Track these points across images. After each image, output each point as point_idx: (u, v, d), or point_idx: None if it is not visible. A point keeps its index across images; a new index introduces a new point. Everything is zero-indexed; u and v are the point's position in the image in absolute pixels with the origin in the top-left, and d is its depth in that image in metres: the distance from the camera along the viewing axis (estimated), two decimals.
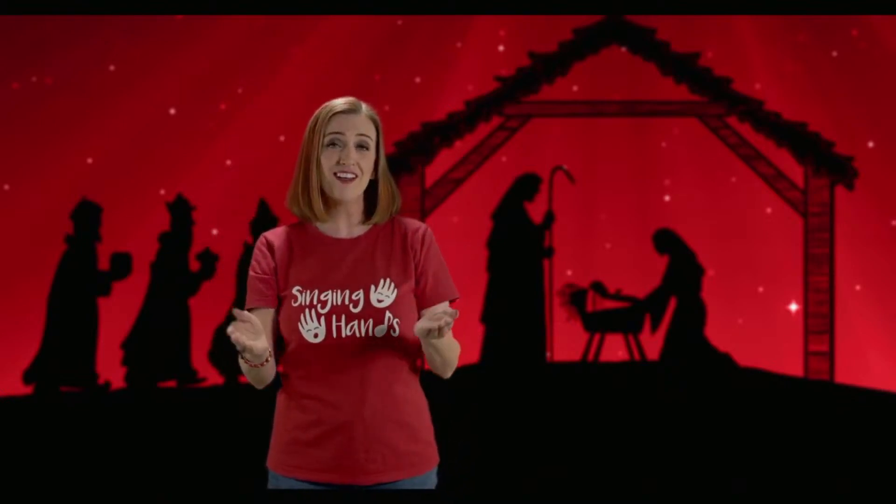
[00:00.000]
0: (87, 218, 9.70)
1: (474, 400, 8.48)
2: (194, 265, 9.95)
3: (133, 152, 10.58)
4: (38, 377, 9.46)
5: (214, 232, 10.25)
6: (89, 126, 10.45)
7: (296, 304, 3.28)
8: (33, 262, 9.94)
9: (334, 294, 3.28)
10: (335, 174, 3.31)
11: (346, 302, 3.27)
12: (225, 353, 9.45)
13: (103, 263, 9.77)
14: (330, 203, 3.34)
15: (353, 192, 3.32)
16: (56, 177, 10.29)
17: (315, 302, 3.27)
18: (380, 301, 3.28)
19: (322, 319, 3.26)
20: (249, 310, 3.33)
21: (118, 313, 9.75)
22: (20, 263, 10.07)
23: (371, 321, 3.26)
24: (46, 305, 9.54)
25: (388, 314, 3.27)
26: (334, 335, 3.25)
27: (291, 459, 3.32)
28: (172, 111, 10.71)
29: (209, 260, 9.90)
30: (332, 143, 3.31)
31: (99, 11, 9.53)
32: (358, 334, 3.26)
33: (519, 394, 8.97)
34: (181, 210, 9.96)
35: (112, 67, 10.63)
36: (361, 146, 3.32)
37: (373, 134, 3.34)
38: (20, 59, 10.38)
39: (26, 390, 9.48)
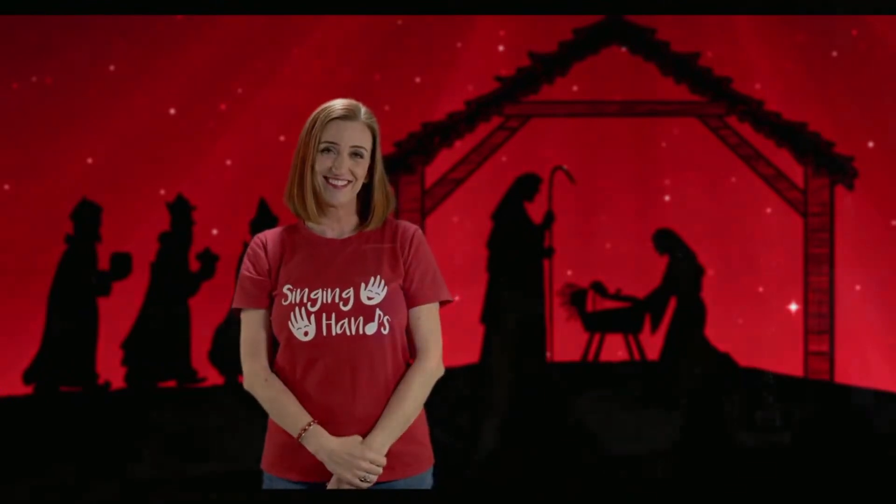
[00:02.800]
0: (87, 218, 9.71)
1: (473, 400, 8.48)
2: (194, 265, 9.96)
3: (133, 152, 10.57)
4: (38, 377, 9.46)
5: (214, 232, 10.25)
6: (89, 126, 10.45)
7: (286, 303, 3.28)
8: (33, 262, 9.94)
9: (324, 292, 3.29)
10: (327, 179, 3.32)
11: (337, 300, 3.27)
12: (225, 353, 9.45)
13: (103, 263, 9.77)
14: (323, 204, 3.35)
15: (345, 198, 3.33)
16: (56, 177, 10.29)
17: (305, 300, 3.28)
18: (370, 299, 3.29)
19: (312, 317, 3.26)
20: (238, 310, 3.34)
21: (118, 313, 9.75)
22: (20, 263, 10.07)
23: (361, 319, 3.26)
24: (46, 305, 9.55)
25: (378, 311, 3.28)
26: (324, 333, 3.26)
27: (285, 461, 3.32)
28: (172, 111, 10.70)
29: (209, 260, 9.91)
30: (327, 150, 3.31)
31: (99, 11, 9.53)
32: (348, 332, 3.26)
33: (518, 394, 8.97)
34: (181, 210, 9.96)
35: (112, 67, 10.63)
36: (356, 154, 3.33)
37: (368, 143, 3.34)
38: (20, 59, 10.37)
39: (26, 390, 9.48)
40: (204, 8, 9.27)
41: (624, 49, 9.97)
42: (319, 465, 3.25)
